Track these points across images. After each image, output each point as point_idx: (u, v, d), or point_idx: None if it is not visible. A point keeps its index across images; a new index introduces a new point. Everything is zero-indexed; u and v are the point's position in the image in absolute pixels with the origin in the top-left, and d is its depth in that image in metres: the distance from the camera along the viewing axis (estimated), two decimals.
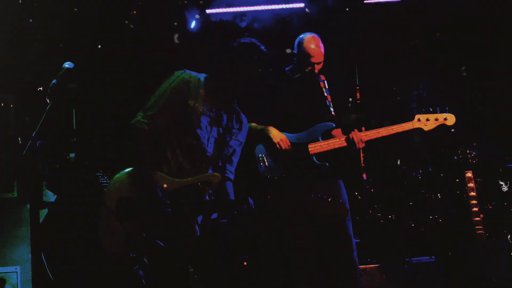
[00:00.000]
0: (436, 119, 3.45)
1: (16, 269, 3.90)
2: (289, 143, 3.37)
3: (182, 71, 2.75)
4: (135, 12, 4.94)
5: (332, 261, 3.49)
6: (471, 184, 3.90)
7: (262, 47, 2.77)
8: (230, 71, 2.73)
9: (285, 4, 5.29)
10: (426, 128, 3.46)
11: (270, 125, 3.41)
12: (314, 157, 3.42)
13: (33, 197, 3.77)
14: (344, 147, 3.40)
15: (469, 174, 3.91)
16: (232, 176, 2.91)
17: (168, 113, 2.66)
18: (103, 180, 3.99)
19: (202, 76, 2.79)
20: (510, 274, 3.74)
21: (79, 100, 4.53)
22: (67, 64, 2.93)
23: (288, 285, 3.61)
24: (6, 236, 3.91)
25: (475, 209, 3.88)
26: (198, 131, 2.69)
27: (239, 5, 5.23)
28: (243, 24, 5.27)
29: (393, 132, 3.43)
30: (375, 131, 3.41)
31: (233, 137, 2.83)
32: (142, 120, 2.64)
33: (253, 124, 3.43)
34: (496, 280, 3.69)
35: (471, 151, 3.95)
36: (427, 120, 3.45)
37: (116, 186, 2.64)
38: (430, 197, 4.46)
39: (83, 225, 3.91)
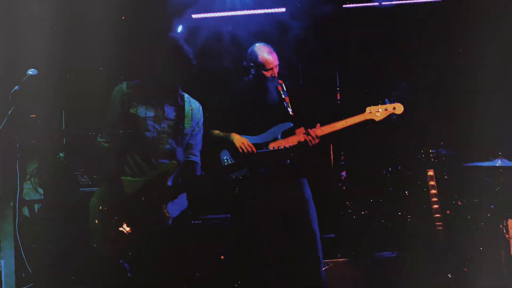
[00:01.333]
0: (386, 109, 3.50)
1: (0, 263, 3.92)
2: (250, 145, 3.42)
3: (119, 85, 2.95)
4: (123, 17, 4.93)
5: (296, 257, 3.50)
6: (432, 182, 3.90)
7: (181, 43, 2.89)
8: (150, 66, 2.94)
9: (267, 9, 5.26)
10: (377, 119, 3.51)
11: (232, 131, 3.48)
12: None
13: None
14: (302, 142, 3.44)
15: (430, 173, 3.91)
16: (195, 158, 3.09)
17: (119, 126, 2.90)
18: (83, 179, 4.03)
19: (137, 81, 2.96)
20: (465, 271, 3.72)
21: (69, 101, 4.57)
22: (30, 71, 2.97)
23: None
24: None
25: (435, 206, 3.87)
26: (147, 134, 2.88)
27: (223, 10, 5.21)
28: (229, 28, 5.25)
29: (347, 124, 3.46)
30: (330, 126, 3.45)
31: (185, 125, 2.97)
32: (100, 140, 2.92)
33: (216, 131, 3.53)
34: (452, 277, 3.67)
35: (433, 151, 3.95)
36: (378, 111, 3.50)
37: (95, 204, 2.88)
38: (399, 194, 4.43)
39: (64, 221, 3.94)
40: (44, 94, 4.20)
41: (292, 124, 3.49)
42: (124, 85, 2.93)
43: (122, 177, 2.85)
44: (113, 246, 2.80)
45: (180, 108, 2.99)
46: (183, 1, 4.84)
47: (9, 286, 3.91)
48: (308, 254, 3.47)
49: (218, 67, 4.81)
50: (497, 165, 3.96)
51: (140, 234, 2.79)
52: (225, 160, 3.47)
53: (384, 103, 3.53)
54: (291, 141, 3.45)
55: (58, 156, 4.31)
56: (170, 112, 2.96)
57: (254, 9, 5.18)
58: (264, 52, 3.53)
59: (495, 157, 4.03)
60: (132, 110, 2.87)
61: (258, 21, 4.98)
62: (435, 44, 4.97)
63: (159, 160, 2.90)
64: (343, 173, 5.12)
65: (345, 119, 3.47)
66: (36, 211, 4.16)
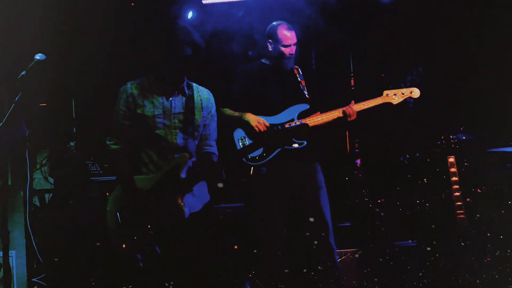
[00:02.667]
0: (403, 93, 3.53)
1: (11, 253, 3.77)
2: (267, 124, 3.33)
3: (124, 86, 2.83)
4: (133, 4, 4.74)
5: (309, 244, 3.39)
6: (453, 169, 3.70)
7: (191, 31, 2.73)
8: (159, 57, 2.76)
9: None
10: (394, 102, 3.52)
11: (246, 111, 3.38)
12: (293, 138, 3.37)
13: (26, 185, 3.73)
14: (339, 118, 3.43)
15: (451, 159, 3.67)
16: (211, 149, 2.95)
17: (128, 128, 2.79)
18: (94, 168, 3.85)
19: (144, 78, 2.85)
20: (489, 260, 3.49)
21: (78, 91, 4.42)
22: (38, 56, 2.81)
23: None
24: None
25: (456, 193, 3.65)
26: (158, 131, 2.77)
27: None
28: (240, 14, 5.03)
29: (370, 105, 3.50)
30: (364, 103, 3.49)
31: (196, 116, 2.83)
32: (109, 143, 2.81)
33: (229, 111, 3.44)
34: (477, 266, 3.44)
35: (453, 137, 3.71)
36: (395, 94, 3.51)
37: (111, 207, 2.80)
38: (417, 182, 4.22)
39: (74, 211, 3.81)
40: (54, 83, 4.09)
41: (309, 106, 3.43)
42: (128, 85, 2.81)
43: (135, 176, 2.76)
44: (133, 247, 2.72)
45: (188, 98, 2.84)
46: None
47: (20, 276, 3.81)
48: (322, 241, 3.36)
49: (229, 51, 4.60)
50: None
51: (158, 229, 2.70)
52: (240, 140, 3.36)
53: (400, 87, 3.53)
54: (331, 116, 3.42)
55: (68, 146, 4.14)
56: (178, 105, 2.82)
57: None
58: (283, 28, 3.46)
59: None
60: (139, 111, 2.76)
61: (270, 6, 4.74)
62: (453, 27, 4.76)
63: (175, 155, 2.78)
64: (358, 161, 4.91)
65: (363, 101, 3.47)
66: (47, 201, 3.99)
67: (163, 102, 2.79)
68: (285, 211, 3.41)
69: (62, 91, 4.13)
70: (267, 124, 3.33)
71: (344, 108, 3.39)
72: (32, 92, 3.76)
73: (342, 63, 5.06)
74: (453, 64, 4.76)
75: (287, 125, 3.38)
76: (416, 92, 3.51)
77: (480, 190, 4.21)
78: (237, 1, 4.93)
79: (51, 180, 4.03)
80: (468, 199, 4.04)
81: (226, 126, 3.35)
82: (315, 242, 3.33)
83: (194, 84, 2.90)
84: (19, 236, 3.79)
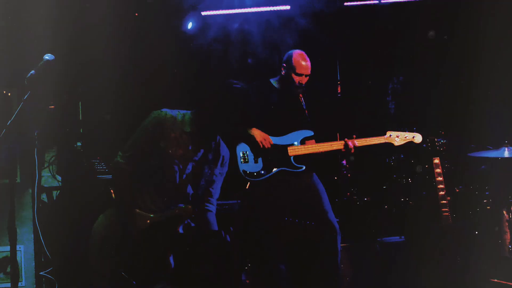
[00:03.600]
0: (405, 137, 3.56)
1: (20, 248, 3.83)
2: (271, 142, 3.35)
3: (159, 112, 2.59)
4: (136, 14, 4.75)
5: (314, 248, 3.48)
6: (438, 170, 3.81)
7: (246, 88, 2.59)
8: (216, 110, 2.55)
9: (272, 6, 5.12)
10: (396, 144, 3.56)
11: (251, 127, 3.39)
12: (292, 159, 3.41)
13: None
14: (339, 150, 3.44)
15: (436, 161, 3.79)
16: (212, 208, 2.76)
17: (144, 154, 2.56)
18: (100, 166, 3.84)
19: (181, 114, 2.61)
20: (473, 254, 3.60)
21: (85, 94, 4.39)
22: (47, 56, 2.72)
23: None
24: None
25: (441, 192, 3.76)
26: (170, 172, 2.57)
27: (231, 8, 5.07)
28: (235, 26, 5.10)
29: (371, 143, 3.54)
30: (365, 139, 3.51)
31: (210, 170, 2.64)
32: (120, 160, 2.57)
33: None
34: (460, 260, 3.54)
35: (439, 139, 3.82)
36: (397, 136, 3.54)
37: (99, 229, 2.59)
38: (401, 181, 4.31)
39: (82, 207, 3.78)
40: (62, 87, 4.07)
41: (313, 133, 3.46)
42: (164, 112, 2.58)
43: (137, 210, 2.53)
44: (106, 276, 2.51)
45: (215, 152, 2.67)
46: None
47: (28, 270, 3.86)
48: (327, 244, 3.42)
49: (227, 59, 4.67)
50: (505, 156, 3.79)
51: (140, 275, 2.46)
52: (242, 154, 3.36)
53: (404, 130, 3.56)
54: (330, 147, 3.42)
55: (75, 145, 4.13)
56: (199, 154, 2.62)
57: (261, 6, 5.03)
58: (300, 58, 3.44)
59: (497, 146, 3.88)
60: (162, 144, 2.53)
61: (264, 17, 4.87)
62: (431, 38, 4.91)
63: (176, 202, 2.58)
64: (344, 162, 4.99)
65: (370, 137, 3.53)
66: (54, 198, 3.98)
67: (189, 146, 2.58)
68: (286, 215, 3.47)
69: (69, 94, 4.10)
70: (271, 141, 3.32)
71: (346, 141, 3.39)
72: (41, 95, 3.76)
73: (330, 71, 5.13)
74: (433, 73, 4.91)
75: (289, 148, 3.36)
76: (418, 138, 3.55)
77: (458, 189, 4.34)
78: (234, 13, 4.99)
79: (59, 177, 4.00)
80: (448, 198, 4.16)
81: (233, 138, 3.32)
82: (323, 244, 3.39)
83: (221, 140, 2.73)
84: (28, 232, 3.84)
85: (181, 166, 2.56)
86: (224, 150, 2.74)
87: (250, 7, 4.95)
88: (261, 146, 3.29)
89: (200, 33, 4.77)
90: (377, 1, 5.11)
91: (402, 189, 4.38)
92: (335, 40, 5.01)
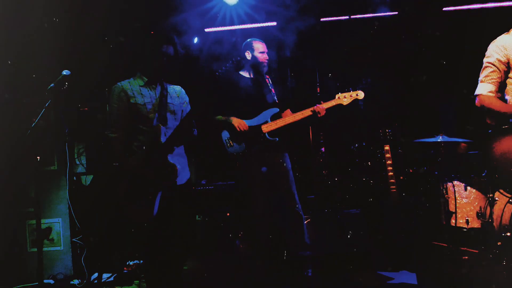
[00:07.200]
0: (351, 96, 3.51)
1: (58, 220, 4.04)
2: (246, 126, 3.45)
3: (115, 85, 2.90)
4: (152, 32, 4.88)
5: (281, 215, 3.55)
6: (388, 155, 3.90)
7: (173, 38, 2.84)
8: (144, 60, 2.87)
9: (260, 23, 5.23)
10: (344, 103, 3.52)
11: (232, 116, 3.50)
12: (267, 135, 3.48)
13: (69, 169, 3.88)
14: (309, 116, 3.44)
15: (386, 147, 3.89)
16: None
17: (123, 117, 2.84)
18: None
19: (131, 79, 2.90)
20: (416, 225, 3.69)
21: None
22: (64, 72, 2.89)
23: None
24: (51, 197, 4.05)
25: (390, 173, 3.85)
26: (150, 115, 2.84)
27: (230, 25, 5.21)
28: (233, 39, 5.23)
29: (331, 105, 3.49)
30: (327, 103, 3.49)
31: (173, 102, 2.91)
32: (108, 132, 2.86)
33: (219, 116, 3.55)
34: (406, 227, 3.63)
35: (389, 130, 3.90)
36: (345, 97, 3.52)
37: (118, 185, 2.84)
38: (363, 164, 4.40)
39: (105, 190, 4.01)
40: (92, 93, 4.28)
41: (279, 110, 3.54)
42: (119, 84, 2.89)
43: (131, 157, 2.80)
44: (143, 213, 2.71)
45: (164, 89, 2.94)
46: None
47: (65, 236, 4.03)
48: (291, 209, 3.51)
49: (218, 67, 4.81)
50: (439, 140, 3.87)
51: (156, 189, 2.70)
52: (227, 140, 3.48)
53: (348, 90, 3.54)
54: (301, 115, 3.44)
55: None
56: (157, 92, 2.92)
57: (250, 23, 5.14)
58: (257, 40, 3.58)
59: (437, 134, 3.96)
60: (131, 100, 2.84)
61: (253, 32, 5.01)
62: (390, 48, 5.01)
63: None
64: (323, 149, 5.10)
65: (329, 101, 3.52)
66: (83, 182, 4.19)
67: (149, 94, 2.87)
68: (265, 189, 3.51)
69: (98, 99, 4.26)
70: (247, 125, 3.42)
71: (313, 108, 3.42)
72: (71, 100, 3.93)
73: (310, 76, 5.26)
74: (393, 76, 5.03)
75: (262, 126, 3.45)
76: (360, 94, 3.52)
77: (411, 170, 4.41)
78: (231, 29, 5.14)
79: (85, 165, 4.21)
80: (401, 177, 4.25)
81: (218, 128, 3.47)
82: (287, 210, 3.47)
83: (166, 84, 3.00)
84: (64, 207, 4.03)
85: (151, 108, 2.83)
86: (175, 87, 3.00)
87: (245, 24, 5.12)
88: (239, 130, 3.37)
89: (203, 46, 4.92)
90: (347, 17, 5.17)
91: (363, 170, 4.45)
92: (314, 52, 5.08)
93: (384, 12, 5.03)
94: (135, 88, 2.87)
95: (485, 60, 2.76)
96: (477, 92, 2.76)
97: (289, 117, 3.47)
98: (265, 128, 3.46)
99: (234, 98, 3.52)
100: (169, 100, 2.91)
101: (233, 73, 3.65)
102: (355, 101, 3.53)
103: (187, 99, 3.04)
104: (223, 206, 4.28)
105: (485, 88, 2.71)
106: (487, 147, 2.59)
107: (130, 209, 2.73)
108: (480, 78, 2.76)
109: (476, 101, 2.76)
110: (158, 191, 2.70)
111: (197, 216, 4.26)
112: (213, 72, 4.40)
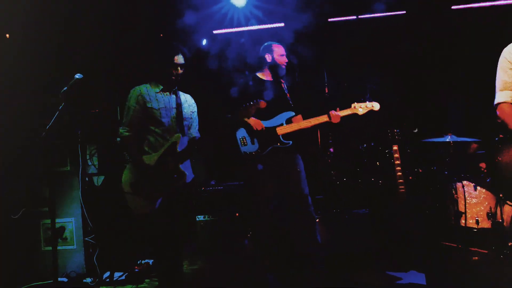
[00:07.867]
0: (366, 106, 3.55)
1: (71, 220, 4.10)
2: (262, 126, 3.45)
3: (133, 88, 3.11)
4: (161, 35, 4.91)
5: (293, 217, 3.50)
6: (396, 155, 3.87)
7: (182, 48, 3.05)
8: (158, 68, 3.08)
9: (269, 24, 5.26)
10: (360, 113, 3.54)
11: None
12: (281, 137, 3.47)
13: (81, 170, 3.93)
14: (325, 122, 3.46)
15: (395, 147, 3.85)
16: (196, 134, 3.23)
17: (137, 118, 3.05)
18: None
19: (147, 84, 3.10)
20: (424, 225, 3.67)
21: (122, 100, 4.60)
22: (77, 76, 2.95)
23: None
24: (64, 198, 4.11)
25: (399, 173, 3.83)
26: (163, 119, 3.06)
27: (237, 27, 5.23)
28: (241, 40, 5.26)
29: (346, 114, 3.51)
30: (343, 111, 3.51)
31: (184, 110, 3.13)
32: (122, 131, 3.07)
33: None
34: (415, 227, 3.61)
35: (397, 130, 3.87)
36: (360, 107, 3.54)
37: (127, 177, 2.99)
38: (371, 164, 4.38)
39: (114, 188, 4.02)
40: (104, 95, 4.34)
41: (294, 113, 3.55)
42: (138, 87, 3.11)
43: (143, 156, 2.99)
44: (146, 205, 2.90)
45: (178, 98, 3.16)
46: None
47: (78, 235, 4.09)
48: (304, 211, 3.45)
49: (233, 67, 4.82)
50: (448, 140, 3.85)
51: (166, 189, 2.89)
52: (241, 138, 3.46)
53: (365, 100, 3.53)
54: (316, 121, 3.46)
55: (116, 140, 4.34)
56: (172, 102, 3.13)
57: (260, 24, 5.17)
58: (276, 44, 3.60)
59: (446, 133, 3.92)
60: (148, 105, 3.05)
61: (262, 33, 5.03)
62: (400, 49, 4.96)
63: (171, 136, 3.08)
64: (331, 149, 5.09)
65: (345, 109, 3.52)
66: (95, 182, 4.24)
67: (163, 100, 3.08)
68: (276, 190, 3.47)
69: (110, 101, 4.32)
70: (263, 126, 3.41)
71: (329, 114, 3.40)
72: (82, 103, 3.97)
73: (318, 76, 5.27)
74: (402, 75, 4.99)
75: (277, 129, 3.43)
76: (376, 106, 3.53)
77: (421, 170, 4.37)
78: (238, 31, 5.16)
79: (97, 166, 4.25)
80: (410, 178, 4.21)
81: (233, 127, 3.46)
82: (300, 212, 3.43)
83: (179, 92, 3.20)
84: (77, 207, 4.09)
85: (168, 113, 3.04)
86: (186, 95, 3.22)
87: (252, 25, 5.14)
88: (255, 129, 3.38)
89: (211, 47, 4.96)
90: (355, 17, 5.15)
91: (372, 171, 4.43)
92: (322, 52, 5.05)
93: (391, 12, 5.02)
94: (152, 94, 3.09)
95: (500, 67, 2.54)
96: (497, 100, 2.55)
97: (304, 122, 3.47)
98: (280, 131, 3.46)
99: (255, 98, 3.42)
100: (183, 109, 3.14)
101: (252, 75, 3.65)
102: (363, 101, 3.49)
103: (195, 108, 3.27)
104: (232, 206, 4.31)
105: (506, 96, 2.50)
106: (494, 156, 2.47)
107: (134, 199, 2.87)
108: (497, 86, 2.55)
109: (498, 112, 2.54)
110: (163, 192, 2.89)
111: (206, 216, 4.31)
112: (231, 73, 4.43)
